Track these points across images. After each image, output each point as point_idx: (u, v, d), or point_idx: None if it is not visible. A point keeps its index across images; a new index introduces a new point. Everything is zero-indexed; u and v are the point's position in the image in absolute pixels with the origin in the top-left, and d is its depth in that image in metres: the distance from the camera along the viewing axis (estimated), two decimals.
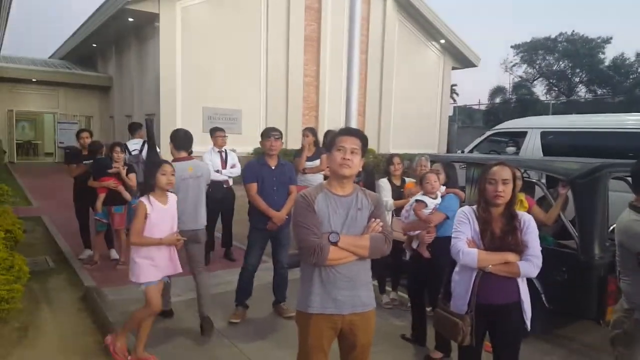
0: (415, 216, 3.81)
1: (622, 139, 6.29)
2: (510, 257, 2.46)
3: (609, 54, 24.24)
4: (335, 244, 2.15)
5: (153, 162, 3.54)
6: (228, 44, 13.21)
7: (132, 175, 5.55)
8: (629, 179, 2.68)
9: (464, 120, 25.08)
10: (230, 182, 6.09)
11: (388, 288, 4.95)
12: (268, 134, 4.15)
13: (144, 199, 3.22)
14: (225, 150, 6.11)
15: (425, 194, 3.83)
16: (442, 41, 16.93)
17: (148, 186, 3.28)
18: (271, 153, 4.16)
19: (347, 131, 2.33)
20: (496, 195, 2.47)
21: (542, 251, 3.72)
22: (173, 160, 3.82)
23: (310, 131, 5.81)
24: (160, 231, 3.25)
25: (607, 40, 24.26)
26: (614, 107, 19.13)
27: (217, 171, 5.86)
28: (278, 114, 13.92)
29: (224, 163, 5.99)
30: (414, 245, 3.85)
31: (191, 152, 4.13)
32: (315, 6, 14.47)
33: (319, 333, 2.25)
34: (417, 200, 3.81)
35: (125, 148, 5.87)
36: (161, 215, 3.26)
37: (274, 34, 13.92)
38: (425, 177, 3.82)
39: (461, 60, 17.82)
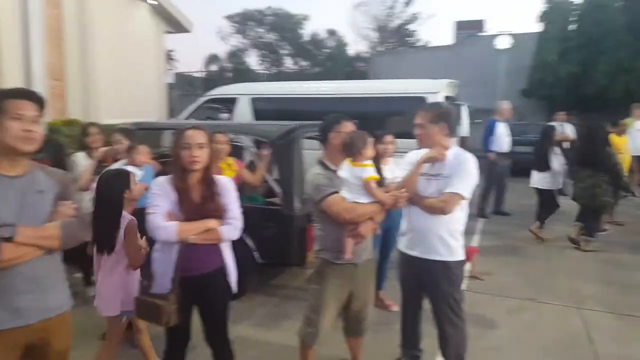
0: None
1: (319, 103, 7.22)
2: (212, 223, 2.39)
3: (307, 30, 27.82)
4: (10, 239, 1.68)
5: None
6: None
7: None
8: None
9: (185, 87, 24.75)
10: None
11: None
12: None
13: None
14: None
15: (131, 164, 3.48)
16: (151, 1, 15.89)
17: None
18: None
19: (23, 93, 1.82)
20: (192, 160, 2.34)
21: (254, 211, 3.94)
22: None
23: None
24: None
25: (306, 18, 27.73)
26: (314, 76, 22.25)
27: None
28: None
29: None
30: None
31: None
32: None
33: None
34: None
35: None
36: None
37: None
38: (135, 149, 3.46)
39: (174, 24, 17.18)
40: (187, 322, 2.50)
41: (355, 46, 38.22)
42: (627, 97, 13.84)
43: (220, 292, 2.52)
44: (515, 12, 58.49)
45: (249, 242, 4.03)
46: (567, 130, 9.49)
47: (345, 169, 2.56)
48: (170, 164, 2.52)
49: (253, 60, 28.52)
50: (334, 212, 2.51)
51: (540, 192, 6.56)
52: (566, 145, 9.42)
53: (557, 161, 6.27)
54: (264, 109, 7.68)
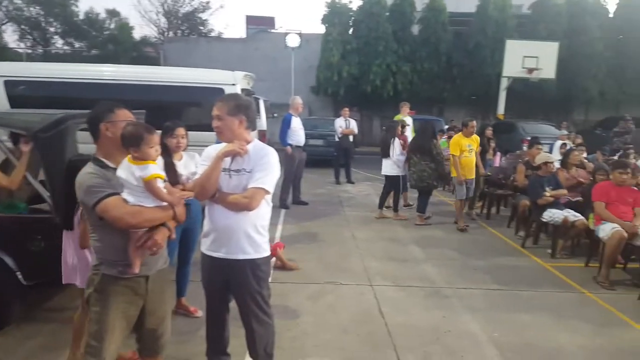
0: None
1: (99, 90, 6.26)
2: None
3: (82, 8, 24.38)
4: None
5: None
6: None
7: None
8: None
9: None
10: None
11: None
12: None
13: None
14: None
15: None
16: None
17: None
18: None
19: None
20: None
21: (13, 221, 3.16)
22: None
23: None
24: None
25: None
26: (91, 60, 19.74)
27: None
28: None
29: None
30: None
31: None
32: None
33: None
34: None
35: None
36: None
37: None
38: None
39: None
40: None
41: (142, 30, 35.63)
42: (397, 96, 16.27)
43: None
44: (302, 12, 63.00)
45: (9, 261, 3.18)
46: (351, 124, 10.53)
47: (124, 168, 2.13)
48: None
49: (10, 37, 23.67)
50: (114, 217, 2.07)
51: (389, 178, 7.43)
52: (351, 138, 10.53)
53: (397, 151, 7.28)
54: (23, 94, 6.32)
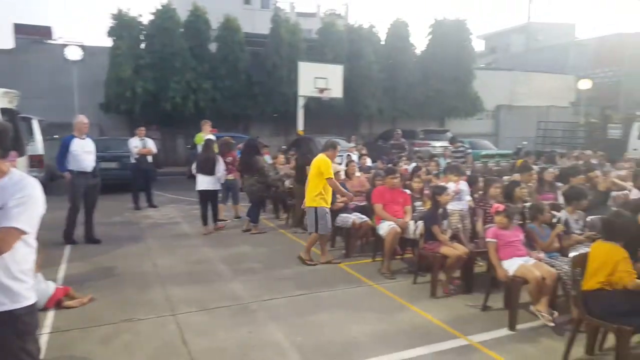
0: None
1: None
2: None
3: None
4: None
5: None
6: None
7: None
8: None
9: None
10: None
11: None
12: None
13: None
14: None
15: None
16: None
17: None
18: None
19: None
20: None
21: None
22: None
23: None
24: None
25: None
26: None
27: None
28: None
29: None
30: None
31: None
32: None
33: None
34: None
35: None
36: None
37: None
38: None
39: None
40: None
41: None
42: (199, 113, 15.91)
43: None
44: (83, 23, 57.13)
45: None
46: (149, 144, 9.86)
47: None
48: None
49: None
50: None
51: (209, 192, 7.60)
52: (150, 159, 9.88)
53: (221, 168, 7.61)
54: None
